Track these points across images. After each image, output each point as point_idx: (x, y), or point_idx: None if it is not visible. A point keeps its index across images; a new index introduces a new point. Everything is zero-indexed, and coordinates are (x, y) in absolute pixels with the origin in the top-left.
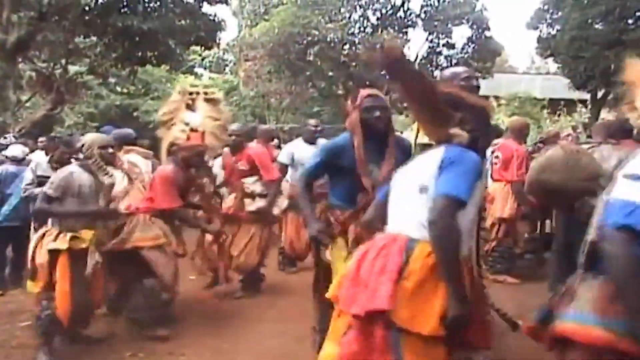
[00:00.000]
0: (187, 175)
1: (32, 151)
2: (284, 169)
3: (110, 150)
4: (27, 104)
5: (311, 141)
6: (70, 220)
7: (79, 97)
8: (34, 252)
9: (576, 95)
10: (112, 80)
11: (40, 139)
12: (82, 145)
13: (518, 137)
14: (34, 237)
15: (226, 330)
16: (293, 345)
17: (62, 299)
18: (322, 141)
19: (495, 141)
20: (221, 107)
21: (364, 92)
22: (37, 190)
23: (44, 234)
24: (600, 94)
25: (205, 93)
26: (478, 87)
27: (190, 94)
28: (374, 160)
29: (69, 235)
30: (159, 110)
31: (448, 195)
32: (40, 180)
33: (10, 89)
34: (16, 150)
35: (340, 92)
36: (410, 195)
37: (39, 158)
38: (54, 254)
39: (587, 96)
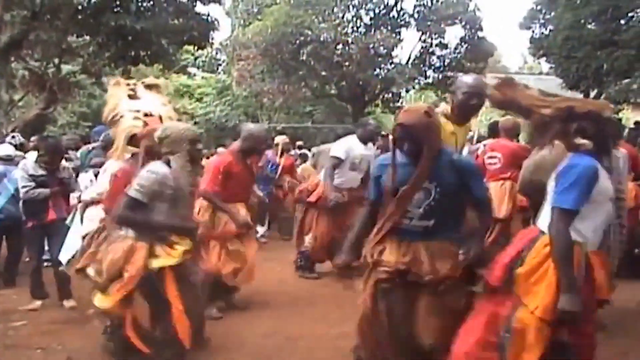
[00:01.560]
0: None
1: (26, 151)
2: (337, 164)
3: (199, 146)
4: (20, 103)
5: (365, 141)
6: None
7: (71, 97)
8: (122, 265)
9: (569, 95)
10: (105, 79)
11: (32, 139)
12: (166, 137)
13: (510, 137)
14: (112, 246)
15: (219, 329)
16: (286, 344)
17: (180, 319)
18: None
19: (485, 141)
20: (164, 93)
21: (402, 112)
22: (39, 190)
23: (131, 248)
24: (592, 94)
25: (142, 82)
26: (475, 106)
27: (127, 84)
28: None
29: (167, 247)
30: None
31: (558, 207)
32: (34, 180)
33: (2, 88)
34: (7, 149)
35: (333, 92)
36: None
37: (31, 158)
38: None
39: (580, 96)
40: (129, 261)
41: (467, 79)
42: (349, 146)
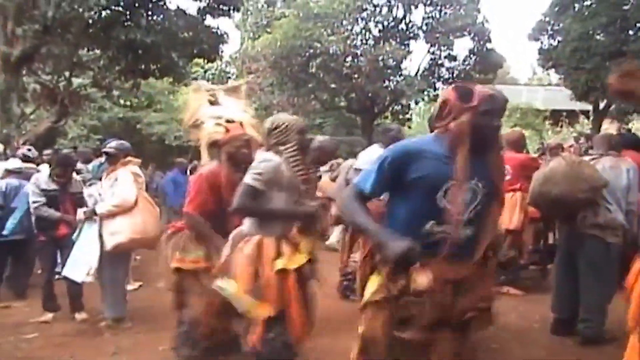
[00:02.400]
0: (236, 178)
1: (37, 164)
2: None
3: (308, 136)
4: (31, 117)
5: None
6: (278, 224)
7: (82, 110)
8: (255, 268)
9: (578, 106)
10: (115, 92)
11: (45, 152)
12: (275, 128)
13: (516, 149)
14: (243, 249)
15: None
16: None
17: (299, 322)
18: None
19: None
20: (243, 97)
21: (481, 90)
22: (50, 212)
23: (260, 243)
24: (602, 104)
25: (222, 88)
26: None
27: (207, 90)
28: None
29: (292, 246)
30: (184, 118)
31: None
32: (46, 194)
33: (14, 102)
34: (16, 162)
35: (342, 104)
36: None
37: (43, 172)
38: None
39: (589, 107)
40: (260, 260)
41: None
42: (371, 157)
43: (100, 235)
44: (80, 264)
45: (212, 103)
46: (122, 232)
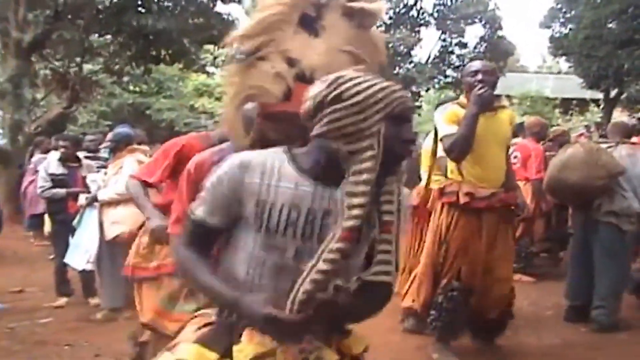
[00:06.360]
0: None
1: (48, 151)
2: None
3: None
4: (42, 103)
5: None
6: None
7: (93, 96)
8: None
9: (588, 94)
10: (125, 78)
11: (54, 137)
12: None
13: (537, 137)
14: None
15: None
16: None
17: None
18: None
19: (514, 140)
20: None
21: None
22: (54, 191)
23: None
24: (613, 93)
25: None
26: (487, 82)
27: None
28: None
29: None
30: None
31: None
32: (53, 179)
33: (25, 87)
34: None
35: None
36: None
37: (53, 156)
38: None
39: (600, 95)
40: None
41: (471, 64)
42: None
43: (101, 224)
44: (81, 251)
45: (304, 24)
46: (124, 222)
